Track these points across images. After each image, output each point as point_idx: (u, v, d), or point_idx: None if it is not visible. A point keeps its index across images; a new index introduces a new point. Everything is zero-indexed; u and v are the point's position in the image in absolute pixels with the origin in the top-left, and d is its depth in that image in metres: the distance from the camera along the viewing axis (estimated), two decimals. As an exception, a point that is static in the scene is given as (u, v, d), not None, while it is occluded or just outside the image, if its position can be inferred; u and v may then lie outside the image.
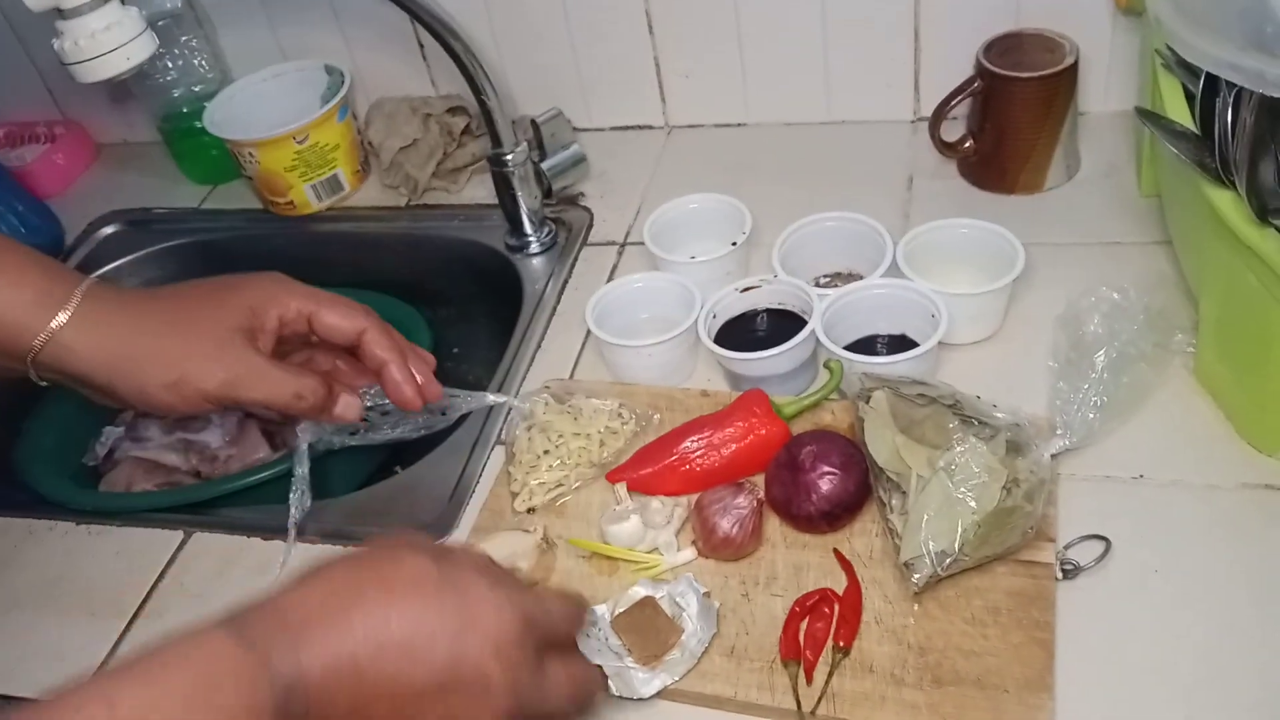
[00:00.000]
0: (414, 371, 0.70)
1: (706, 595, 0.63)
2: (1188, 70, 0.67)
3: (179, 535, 0.79)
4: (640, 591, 0.64)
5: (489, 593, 0.48)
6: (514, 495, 0.73)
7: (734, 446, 0.70)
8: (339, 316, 0.69)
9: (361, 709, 0.45)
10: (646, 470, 0.72)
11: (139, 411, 0.80)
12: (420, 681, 0.45)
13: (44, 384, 0.65)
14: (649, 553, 0.68)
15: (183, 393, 0.63)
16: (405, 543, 0.49)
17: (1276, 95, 0.55)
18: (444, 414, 0.77)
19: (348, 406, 0.69)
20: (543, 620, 0.50)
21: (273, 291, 0.68)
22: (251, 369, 0.64)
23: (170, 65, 1.08)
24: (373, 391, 0.73)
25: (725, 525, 0.65)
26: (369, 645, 0.45)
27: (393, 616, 0.45)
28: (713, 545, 0.66)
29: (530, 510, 0.72)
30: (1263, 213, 0.59)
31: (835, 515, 0.66)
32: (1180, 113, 0.68)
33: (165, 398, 0.63)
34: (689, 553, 0.68)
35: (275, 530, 0.76)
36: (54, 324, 0.62)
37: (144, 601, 0.75)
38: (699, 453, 0.71)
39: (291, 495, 0.74)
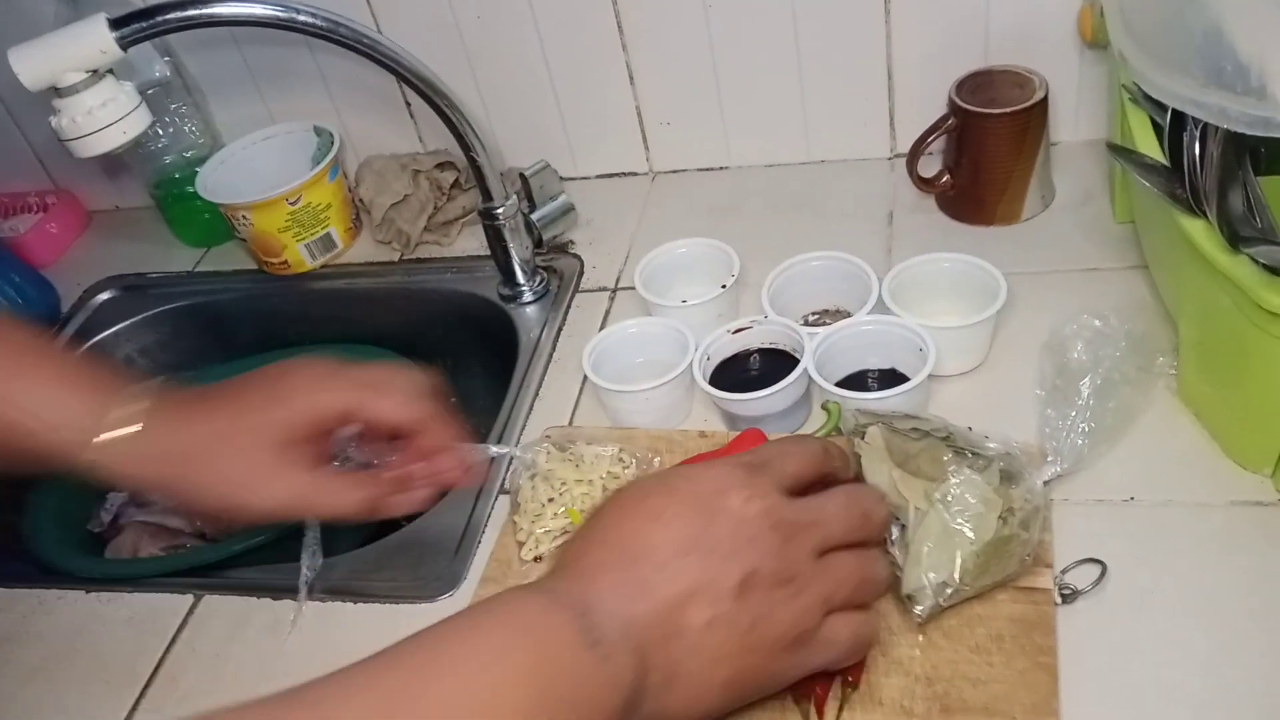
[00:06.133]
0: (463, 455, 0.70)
1: None
2: (1154, 104, 0.70)
3: (189, 599, 0.80)
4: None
5: (705, 469, 0.53)
6: (520, 544, 0.74)
7: None
8: (394, 407, 0.66)
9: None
10: None
11: None
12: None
13: None
14: None
15: (242, 515, 0.65)
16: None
17: (1241, 130, 0.58)
18: None
19: (413, 502, 0.69)
20: (770, 463, 0.55)
21: (320, 391, 0.65)
22: (306, 490, 0.64)
23: (161, 133, 1.10)
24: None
25: None
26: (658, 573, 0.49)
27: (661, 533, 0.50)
28: None
29: (537, 559, 0.73)
30: (1234, 240, 0.61)
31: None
32: (1149, 145, 0.70)
33: (224, 518, 0.66)
34: None
35: (285, 589, 0.77)
36: (103, 439, 0.61)
37: (157, 667, 0.76)
38: None
39: (304, 554, 0.74)
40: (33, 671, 0.78)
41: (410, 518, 0.86)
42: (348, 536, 0.85)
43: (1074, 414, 0.68)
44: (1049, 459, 0.68)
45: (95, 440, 0.61)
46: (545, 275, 1.01)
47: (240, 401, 0.64)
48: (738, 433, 0.76)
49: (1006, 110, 0.88)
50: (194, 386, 0.66)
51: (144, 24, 0.77)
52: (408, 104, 1.10)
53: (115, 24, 0.76)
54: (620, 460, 0.77)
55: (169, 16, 0.78)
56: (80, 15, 0.78)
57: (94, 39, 0.76)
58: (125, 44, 0.77)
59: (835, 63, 0.99)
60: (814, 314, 0.87)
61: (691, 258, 0.91)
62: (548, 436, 0.81)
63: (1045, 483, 0.66)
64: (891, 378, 0.78)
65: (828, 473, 0.57)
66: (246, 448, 0.62)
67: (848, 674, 0.61)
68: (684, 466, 0.53)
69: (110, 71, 0.80)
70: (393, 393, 0.66)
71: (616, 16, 1.00)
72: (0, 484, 0.94)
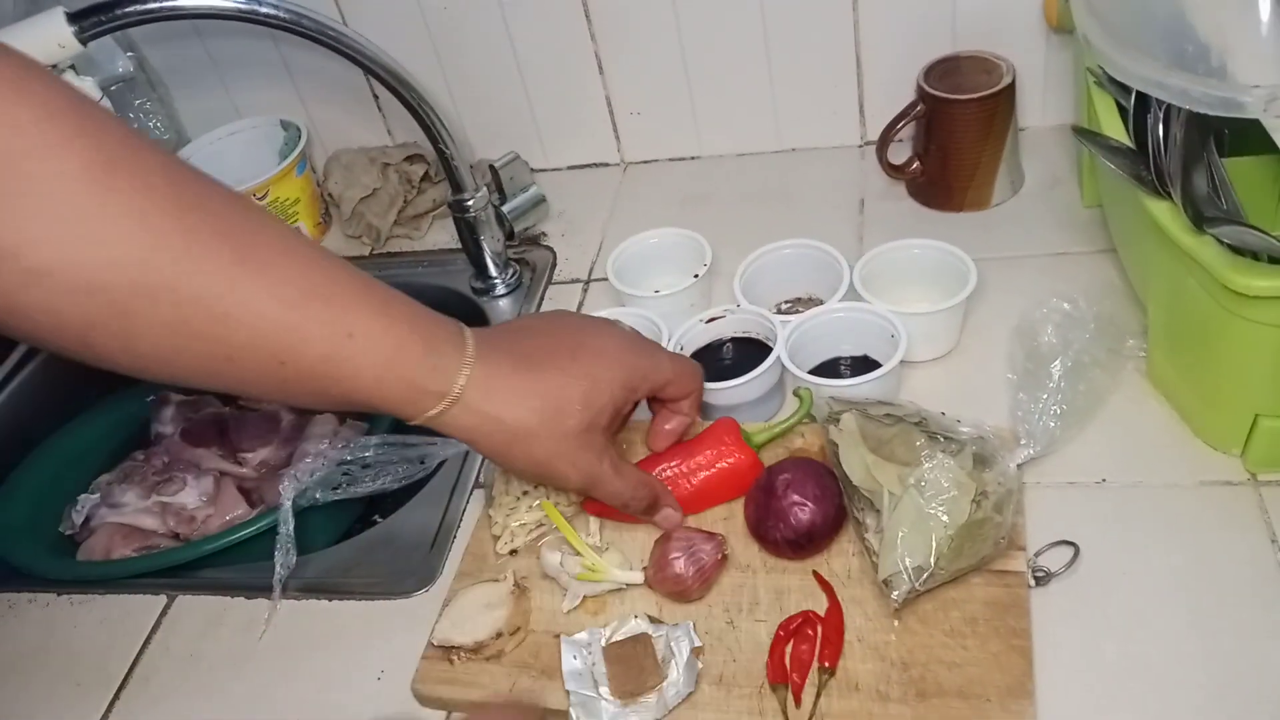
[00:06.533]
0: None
1: (697, 651, 0.64)
2: (1119, 87, 0.70)
3: (162, 599, 0.79)
4: (639, 626, 0.65)
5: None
6: (495, 539, 0.74)
7: (703, 474, 0.72)
8: (679, 389, 0.70)
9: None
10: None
11: None
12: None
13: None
14: (601, 553, 0.69)
15: (547, 482, 0.71)
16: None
17: (1202, 111, 0.58)
18: (422, 462, 0.78)
19: (668, 518, 0.71)
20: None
21: (635, 367, 0.67)
22: (605, 473, 0.66)
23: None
24: (352, 445, 0.74)
25: (680, 565, 0.67)
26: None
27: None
28: (662, 578, 0.67)
29: (513, 553, 0.73)
30: (1198, 220, 0.62)
31: (801, 545, 0.67)
32: (1115, 128, 0.70)
33: (531, 480, 0.72)
34: (638, 576, 0.69)
35: (259, 588, 0.76)
36: (451, 391, 0.60)
37: (131, 668, 0.75)
38: (669, 480, 0.72)
39: (276, 553, 0.74)
40: (3, 675, 0.77)
41: (385, 512, 0.86)
42: (323, 533, 0.84)
43: (1045, 397, 0.68)
44: (1021, 442, 0.68)
45: (446, 391, 0.60)
46: (518, 267, 1.00)
47: (559, 373, 0.64)
48: (710, 421, 0.76)
49: (974, 96, 0.88)
50: (507, 333, 0.67)
51: (103, 17, 0.76)
52: (375, 96, 1.09)
53: (74, 17, 0.75)
54: (593, 449, 0.77)
55: (129, 9, 0.77)
56: (40, 8, 0.77)
57: (52, 33, 0.75)
58: (84, 38, 0.76)
59: (804, 51, 0.99)
60: (786, 302, 0.87)
61: (664, 248, 0.91)
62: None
63: (1018, 466, 0.67)
64: (864, 364, 0.79)
65: None
66: (560, 425, 0.63)
67: (824, 660, 0.62)
68: None
69: (71, 67, 0.79)
70: (685, 373, 0.70)
71: (585, 6, 0.99)
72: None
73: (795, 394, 0.75)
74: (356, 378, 0.57)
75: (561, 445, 0.63)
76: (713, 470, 0.72)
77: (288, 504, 0.74)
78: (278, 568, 0.74)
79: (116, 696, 0.73)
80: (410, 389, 0.58)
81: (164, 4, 0.78)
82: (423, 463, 0.78)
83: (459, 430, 0.61)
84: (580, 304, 0.96)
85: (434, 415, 0.60)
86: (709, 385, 0.76)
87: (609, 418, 0.65)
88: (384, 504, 0.89)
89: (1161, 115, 0.64)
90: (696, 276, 0.86)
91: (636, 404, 0.70)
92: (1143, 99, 0.66)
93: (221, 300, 0.52)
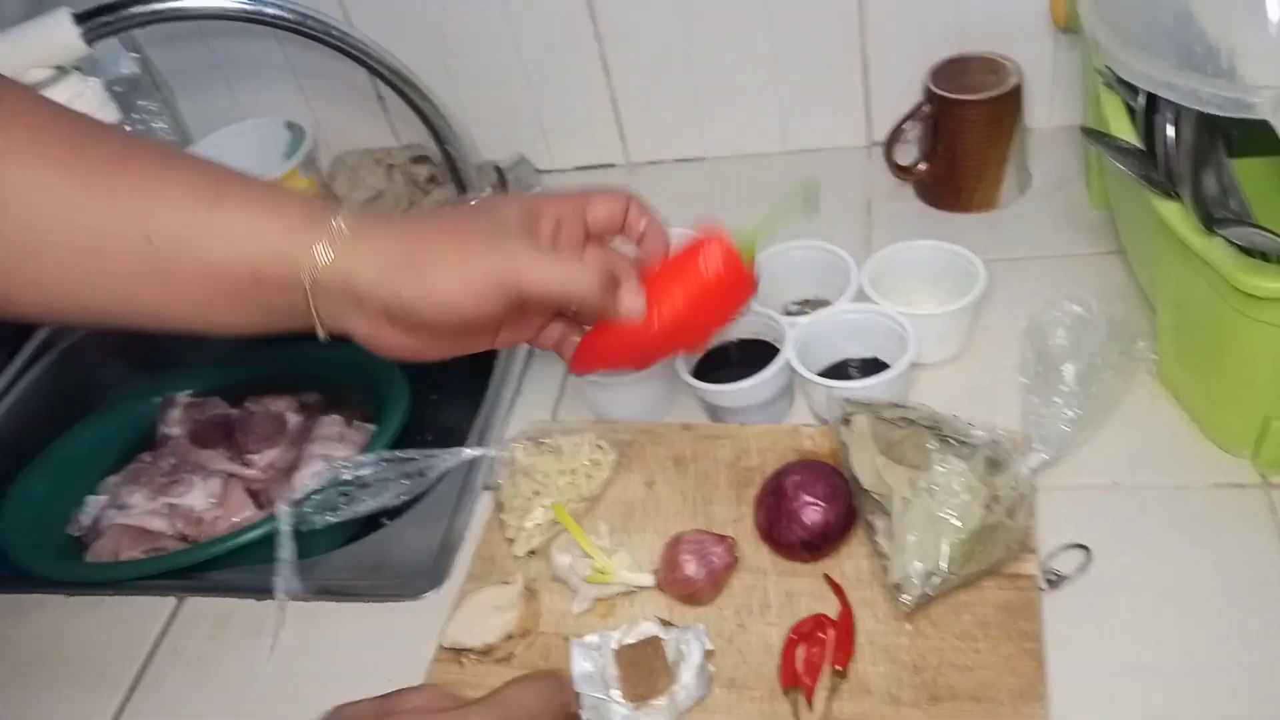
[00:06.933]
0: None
1: (709, 654, 0.63)
2: (1128, 88, 0.70)
3: (171, 602, 0.79)
4: (650, 629, 0.64)
5: None
6: (510, 542, 0.74)
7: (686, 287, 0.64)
8: (607, 204, 0.65)
9: None
10: (605, 341, 0.66)
11: (421, 328, 0.60)
12: None
13: (325, 339, 0.59)
14: (611, 555, 0.69)
15: (471, 285, 0.56)
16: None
17: (1212, 112, 0.58)
18: (423, 475, 0.77)
19: (633, 304, 0.62)
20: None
21: (541, 197, 0.64)
22: (537, 254, 0.59)
23: (130, 130, 1.08)
24: (349, 464, 0.73)
25: (691, 568, 0.67)
26: None
27: None
28: (672, 581, 0.67)
29: (531, 553, 0.73)
30: (1208, 222, 0.62)
31: (816, 545, 0.67)
32: (1123, 129, 0.70)
33: (454, 294, 0.56)
34: (648, 578, 0.69)
35: (268, 590, 0.75)
36: (328, 249, 0.55)
37: (141, 671, 0.75)
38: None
39: (276, 580, 0.73)
40: (12, 677, 0.77)
41: (391, 515, 0.86)
42: (329, 536, 0.84)
43: (1058, 400, 0.68)
44: (1034, 446, 0.68)
45: (314, 252, 0.55)
46: (523, 268, 1.00)
47: (460, 213, 0.60)
48: (720, 423, 0.76)
49: (981, 97, 0.88)
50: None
51: (108, 18, 0.76)
52: (380, 97, 1.09)
53: (80, 18, 0.75)
54: (599, 446, 0.77)
55: (134, 10, 0.77)
56: (44, 10, 0.77)
57: (58, 34, 0.75)
58: (90, 39, 0.76)
59: (810, 51, 0.99)
60: (795, 304, 0.87)
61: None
62: (524, 432, 0.81)
63: (1031, 470, 0.67)
64: (873, 366, 0.79)
65: None
66: (471, 236, 0.57)
67: (836, 663, 0.62)
68: (418, 709, 0.51)
69: (76, 68, 0.79)
70: (604, 193, 0.66)
71: (589, 5, 0.99)
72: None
73: (796, 186, 0.67)
74: (230, 235, 0.55)
75: (474, 244, 0.57)
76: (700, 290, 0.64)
77: (286, 529, 0.73)
78: (279, 594, 0.73)
79: (127, 698, 0.73)
80: (288, 231, 0.55)
81: (170, 4, 0.78)
82: (423, 475, 0.76)
83: (352, 270, 0.55)
84: (587, 305, 0.96)
85: (321, 257, 0.55)
86: (718, 387, 0.76)
87: (524, 219, 0.60)
88: (389, 508, 0.89)
89: (1171, 116, 0.64)
90: (704, 278, 0.86)
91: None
92: (1152, 100, 0.65)
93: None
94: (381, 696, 0.51)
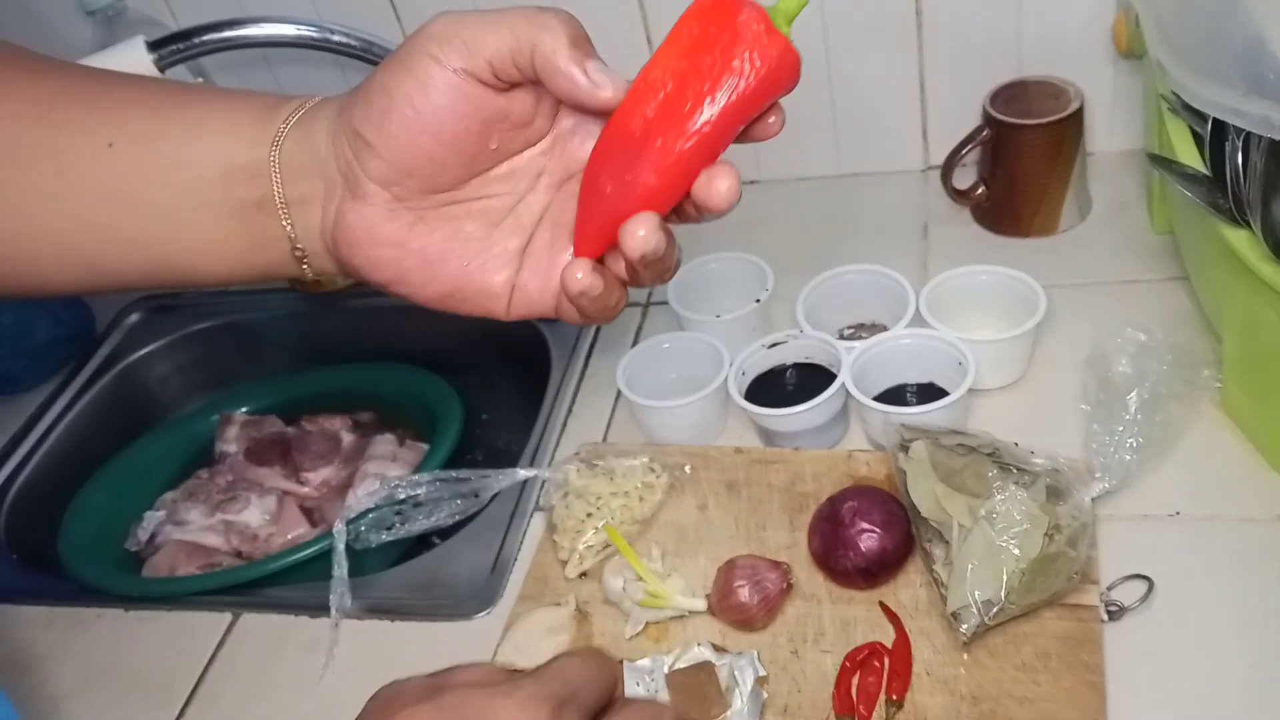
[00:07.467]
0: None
1: (761, 680, 0.63)
2: (1194, 114, 0.69)
3: (227, 617, 0.80)
4: (703, 654, 0.64)
5: (503, 700, 0.44)
6: (564, 564, 0.74)
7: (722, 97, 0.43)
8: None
9: None
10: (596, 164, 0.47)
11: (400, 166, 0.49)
12: None
13: (305, 265, 0.52)
14: (664, 579, 0.69)
15: (417, 73, 0.47)
16: (395, 694, 0.46)
17: (1285, 139, 0.57)
18: (476, 495, 0.77)
19: (598, 73, 0.49)
20: (577, 694, 0.48)
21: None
22: (481, 17, 0.47)
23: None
24: (404, 484, 0.74)
25: (745, 594, 0.66)
26: None
27: None
28: (726, 607, 0.67)
29: (583, 575, 0.73)
30: (1278, 250, 0.61)
31: (873, 572, 0.66)
32: (1189, 155, 0.69)
33: (405, 86, 0.47)
34: (701, 603, 0.68)
35: (322, 607, 0.76)
36: (292, 117, 0.50)
37: (196, 685, 0.76)
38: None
39: (331, 596, 0.74)
40: (71, 690, 0.78)
41: (443, 535, 0.87)
42: (381, 556, 0.85)
43: (1121, 429, 0.67)
44: (1096, 475, 0.67)
45: (280, 121, 0.50)
46: (577, 290, 1.00)
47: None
48: (772, 447, 0.75)
49: (1042, 121, 0.87)
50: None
51: (182, 45, 0.78)
52: (438, 121, 1.10)
53: (154, 45, 0.77)
54: (652, 470, 0.77)
55: (206, 38, 0.79)
56: (115, 38, 0.80)
57: (133, 61, 0.77)
58: (163, 65, 0.78)
59: (866, 74, 0.98)
60: (850, 328, 0.87)
61: (723, 272, 0.91)
62: (577, 454, 0.81)
63: (1093, 500, 0.65)
64: (930, 392, 0.78)
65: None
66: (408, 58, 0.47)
67: (892, 692, 0.61)
68: (471, 683, 0.46)
69: (147, 93, 0.81)
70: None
71: (645, 22, 0.99)
72: (38, 504, 0.96)
73: None
74: (197, 126, 0.51)
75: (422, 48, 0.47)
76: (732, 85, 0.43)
77: (340, 546, 0.74)
78: (334, 611, 0.74)
79: (182, 713, 0.74)
80: (258, 113, 0.51)
81: (239, 32, 0.80)
82: (476, 496, 0.77)
83: (312, 132, 0.50)
84: (639, 327, 0.96)
85: (286, 124, 0.50)
86: (773, 411, 0.76)
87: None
88: (442, 527, 0.89)
89: (1240, 143, 0.63)
90: (758, 301, 0.86)
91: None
92: (1220, 126, 0.65)
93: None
94: (435, 672, 0.50)
